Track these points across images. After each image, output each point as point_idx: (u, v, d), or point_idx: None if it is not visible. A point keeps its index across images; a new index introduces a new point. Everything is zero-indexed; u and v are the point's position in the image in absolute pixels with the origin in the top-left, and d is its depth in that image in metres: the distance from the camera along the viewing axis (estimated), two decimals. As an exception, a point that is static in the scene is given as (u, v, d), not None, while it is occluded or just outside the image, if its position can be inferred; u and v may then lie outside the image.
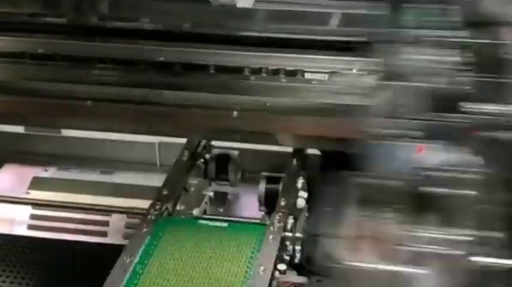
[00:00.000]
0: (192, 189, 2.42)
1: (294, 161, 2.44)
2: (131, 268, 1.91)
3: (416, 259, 1.64)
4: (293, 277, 2.04)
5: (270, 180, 2.46)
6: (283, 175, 2.41)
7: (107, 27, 2.54)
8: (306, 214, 2.35)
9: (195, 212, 2.24)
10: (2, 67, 2.43)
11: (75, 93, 2.28)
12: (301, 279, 2.07)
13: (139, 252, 1.97)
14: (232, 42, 2.38)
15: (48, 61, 2.42)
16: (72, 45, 2.48)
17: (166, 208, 2.19)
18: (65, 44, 2.49)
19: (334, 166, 2.64)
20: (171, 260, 1.95)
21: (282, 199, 2.23)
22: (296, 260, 2.17)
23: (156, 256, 1.97)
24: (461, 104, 1.60)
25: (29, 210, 2.77)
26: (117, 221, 2.69)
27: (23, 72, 2.41)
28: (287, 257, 2.09)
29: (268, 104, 2.13)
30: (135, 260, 1.94)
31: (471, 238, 1.56)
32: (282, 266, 1.98)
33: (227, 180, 2.59)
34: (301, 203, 2.28)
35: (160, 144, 2.97)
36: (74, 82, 2.30)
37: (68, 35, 2.53)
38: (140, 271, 1.91)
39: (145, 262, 1.94)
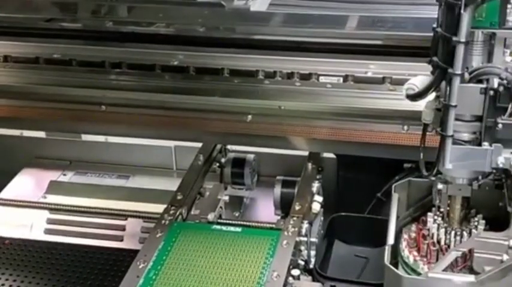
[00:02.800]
0: (207, 193, 2.41)
1: (310, 165, 2.43)
2: (144, 274, 1.91)
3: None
4: (307, 283, 2.03)
5: (285, 184, 2.45)
6: (298, 178, 2.40)
7: (123, 31, 2.54)
8: (321, 218, 2.34)
9: (210, 217, 2.23)
10: (18, 72, 2.44)
11: (90, 99, 2.27)
12: (316, 285, 2.05)
13: (153, 257, 1.97)
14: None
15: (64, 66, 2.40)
16: (89, 50, 2.47)
17: (181, 213, 2.19)
18: (81, 49, 2.49)
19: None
20: (184, 266, 1.95)
21: (297, 203, 2.21)
22: (310, 265, 2.16)
23: (170, 261, 1.96)
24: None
25: (46, 214, 2.77)
26: (133, 225, 2.68)
27: (38, 77, 2.41)
28: (301, 262, 2.07)
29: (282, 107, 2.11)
30: (149, 266, 1.93)
31: None
32: (295, 272, 1.96)
33: (243, 184, 2.58)
34: (316, 207, 2.26)
35: (176, 148, 2.96)
36: (90, 87, 2.30)
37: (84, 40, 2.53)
38: (153, 277, 1.90)
39: (159, 267, 1.94)
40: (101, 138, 2.94)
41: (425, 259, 1.79)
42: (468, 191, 1.77)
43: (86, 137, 2.99)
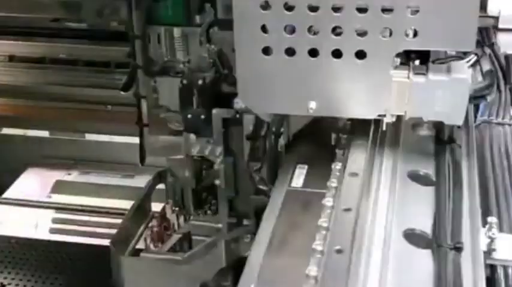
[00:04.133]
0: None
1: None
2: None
3: None
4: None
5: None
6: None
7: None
8: None
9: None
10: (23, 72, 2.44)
11: (95, 98, 2.27)
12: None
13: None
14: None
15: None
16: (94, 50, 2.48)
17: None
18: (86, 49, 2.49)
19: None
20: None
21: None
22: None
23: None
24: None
25: (51, 214, 2.77)
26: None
27: (43, 76, 2.41)
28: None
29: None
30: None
31: None
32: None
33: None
34: None
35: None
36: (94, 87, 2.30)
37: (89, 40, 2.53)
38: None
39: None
40: (105, 137, 2.93)
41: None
42: (193, 183, 1.84)
43: (90, 137, 2.98)
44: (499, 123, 1.58)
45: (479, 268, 1.17)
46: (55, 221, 2.77)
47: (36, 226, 2.76)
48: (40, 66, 2.52)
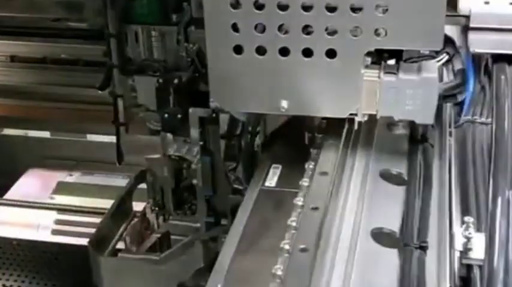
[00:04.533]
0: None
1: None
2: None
3: None
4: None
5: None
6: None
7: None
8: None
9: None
10: (24, 72, 2.45)
11: (97, 98, 2.28)
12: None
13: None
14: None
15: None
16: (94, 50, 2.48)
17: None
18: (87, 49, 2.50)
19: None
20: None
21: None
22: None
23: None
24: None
25: (53, 215, 2.78)
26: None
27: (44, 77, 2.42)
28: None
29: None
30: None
31: None
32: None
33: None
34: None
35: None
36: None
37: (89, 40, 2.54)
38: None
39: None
40: (106, 138, 2.94)
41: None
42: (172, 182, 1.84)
43: (91, 137, 2.99)
44: (482, 123, 1.57)
45: (444, 267, 1.16)
46: (57, 222, 2.77)
47: (38, 227, 2.76)
48: (41, 66, 2.53)
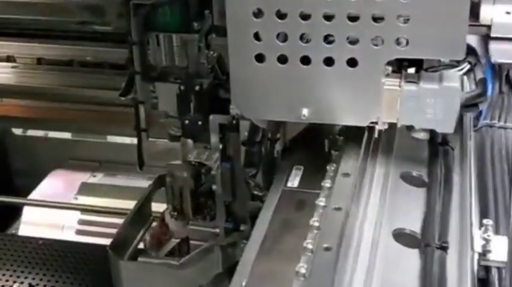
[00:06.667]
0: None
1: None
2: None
3: None
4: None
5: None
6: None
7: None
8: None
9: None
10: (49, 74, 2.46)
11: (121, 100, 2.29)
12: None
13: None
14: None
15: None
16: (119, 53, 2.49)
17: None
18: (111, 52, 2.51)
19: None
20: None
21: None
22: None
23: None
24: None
25: (77, 215, 2.80)
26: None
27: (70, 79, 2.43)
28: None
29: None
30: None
31: None
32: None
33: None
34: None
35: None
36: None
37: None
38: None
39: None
40: (126, 139, 2.95)
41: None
42: (192, 188, 1.83)
43: (112, 139, 3.00)
44: (501, 127, 1.57)
45: (465, 267, 1.18)
46: (81, 222, 2.80)
47: (63, 227, 2.79)
48: (66, 69, 2.55)
